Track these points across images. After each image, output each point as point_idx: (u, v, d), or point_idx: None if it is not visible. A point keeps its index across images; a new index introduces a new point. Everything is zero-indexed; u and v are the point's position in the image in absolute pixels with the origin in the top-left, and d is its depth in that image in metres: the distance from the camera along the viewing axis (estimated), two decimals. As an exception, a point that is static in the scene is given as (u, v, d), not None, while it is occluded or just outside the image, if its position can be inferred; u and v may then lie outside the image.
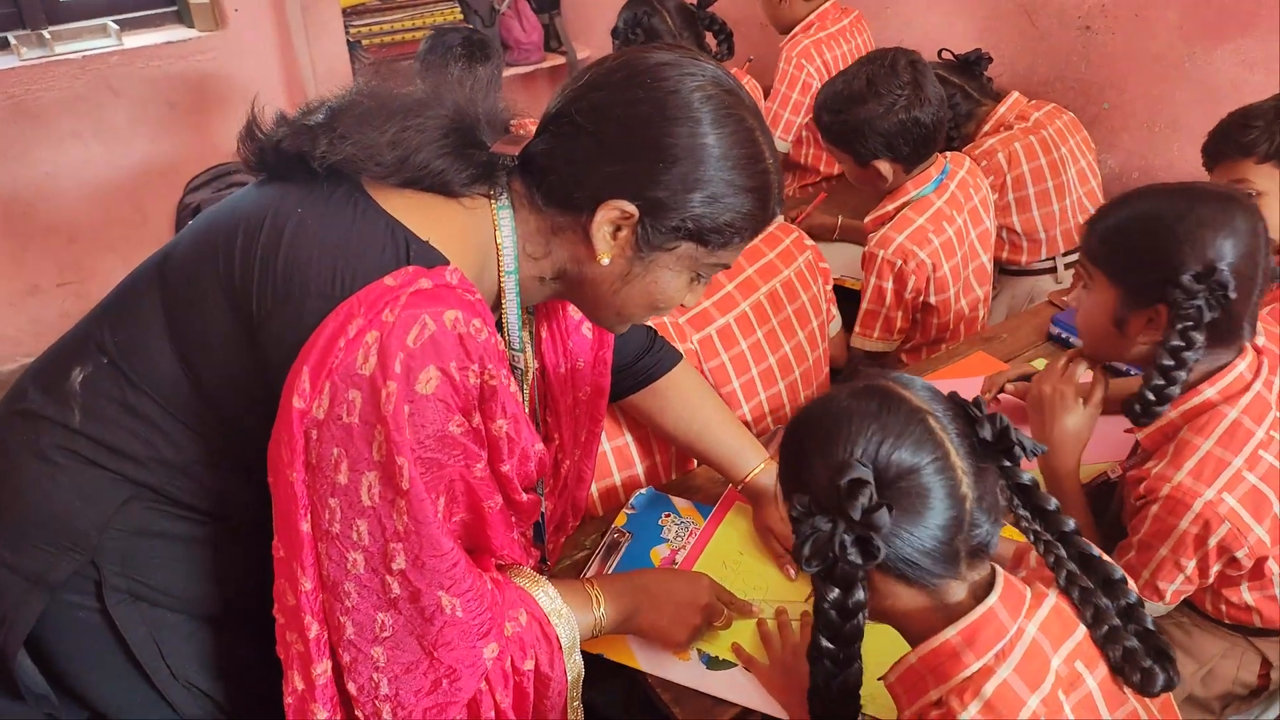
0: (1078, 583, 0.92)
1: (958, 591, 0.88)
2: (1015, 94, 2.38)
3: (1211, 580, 1.25)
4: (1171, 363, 1.18)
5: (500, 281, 0.97)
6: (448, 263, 0.88)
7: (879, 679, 0.93)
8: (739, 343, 1.74)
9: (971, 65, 2.35)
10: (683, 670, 1.18)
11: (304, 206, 0.88)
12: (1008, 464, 0.88)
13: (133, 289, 0.96)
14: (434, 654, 0.90)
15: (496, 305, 0.99)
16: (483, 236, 0.94)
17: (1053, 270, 2.36)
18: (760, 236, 0.97)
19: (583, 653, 1.15)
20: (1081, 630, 0.91)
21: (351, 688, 0.89)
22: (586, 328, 1.23)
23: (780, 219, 1.95)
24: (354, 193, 0.89)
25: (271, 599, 0.90)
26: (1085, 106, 2.63)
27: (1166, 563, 1.22)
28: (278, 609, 0.89)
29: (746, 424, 1.76)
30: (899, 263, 1.85)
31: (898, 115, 1.81)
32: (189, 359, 0.90)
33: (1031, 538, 0.93)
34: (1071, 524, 0.92)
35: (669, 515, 1.41)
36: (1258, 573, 1.25)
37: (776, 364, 1.78)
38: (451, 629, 0.90)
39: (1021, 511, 0.92)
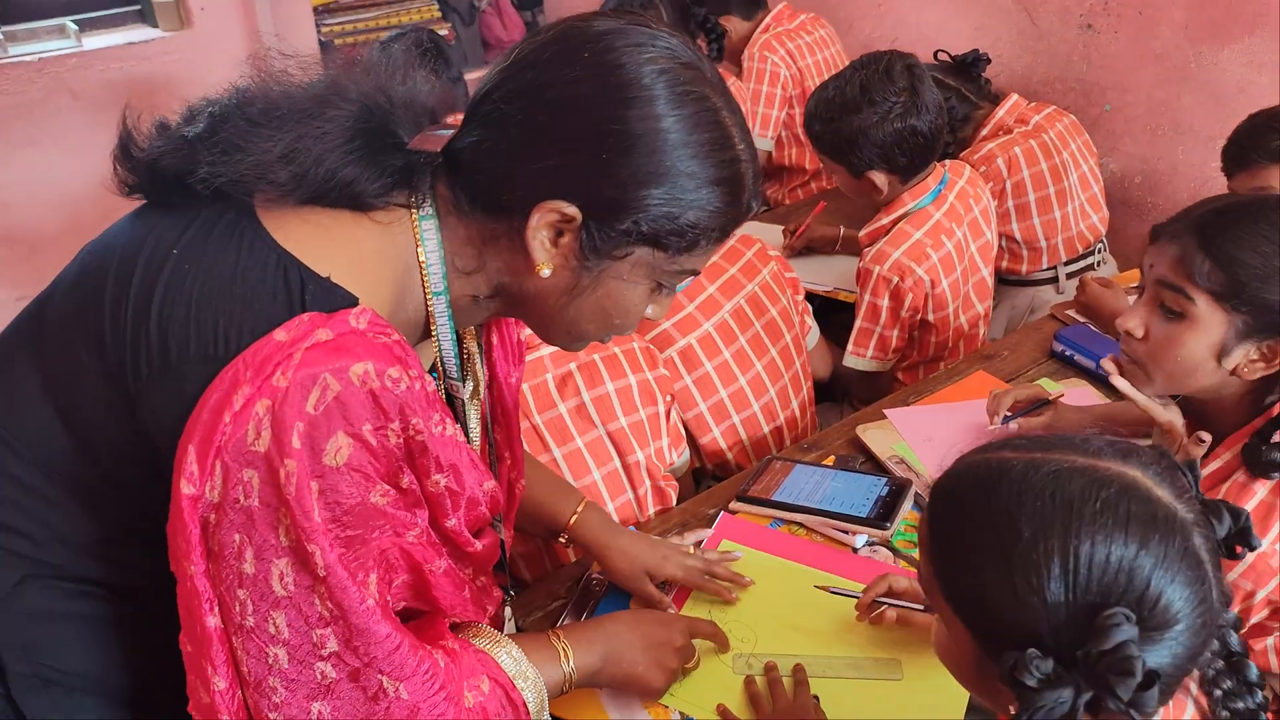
0: (1220, 684, 0.79)
1: None
2: (1014, 96, 2.29)
3: (1247, 628, 1.15)
4: None
5: (428, 305, 0.84)
6: (355, 302, 0.75)
7: None
8: (704, 364, 1.64)
9: (969, 66, 2.25)
10: None
11: (181, 246, 0.76)
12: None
13: (5, 353, 0.84)
14: None
15: (427, 332, 0.86)
16: (402, 256, 0.81)
17: (1054, 280, 2.27)
18: (728, 243, 0.84)
19: (552, 717, 1.05)
20: None
21: None
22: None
23: (742, 230, 1.86)
24: (240, 222, 0.76)
25: None
26: (1086, 108, 2.54)
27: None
28: (192, 706, 0.78)
29: (720, 451, 1.69)
30: (895, 279, 1.76)
31: (893, 124, 1.71)
32: (70, 425, 0.79)
33: None
34: (1231, 616, 0.79)
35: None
36: None
37: (748, 384, 1.68)
38: (401, 709, 0.80)
39: None
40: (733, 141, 0.80)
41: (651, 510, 1.47)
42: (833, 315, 2.04)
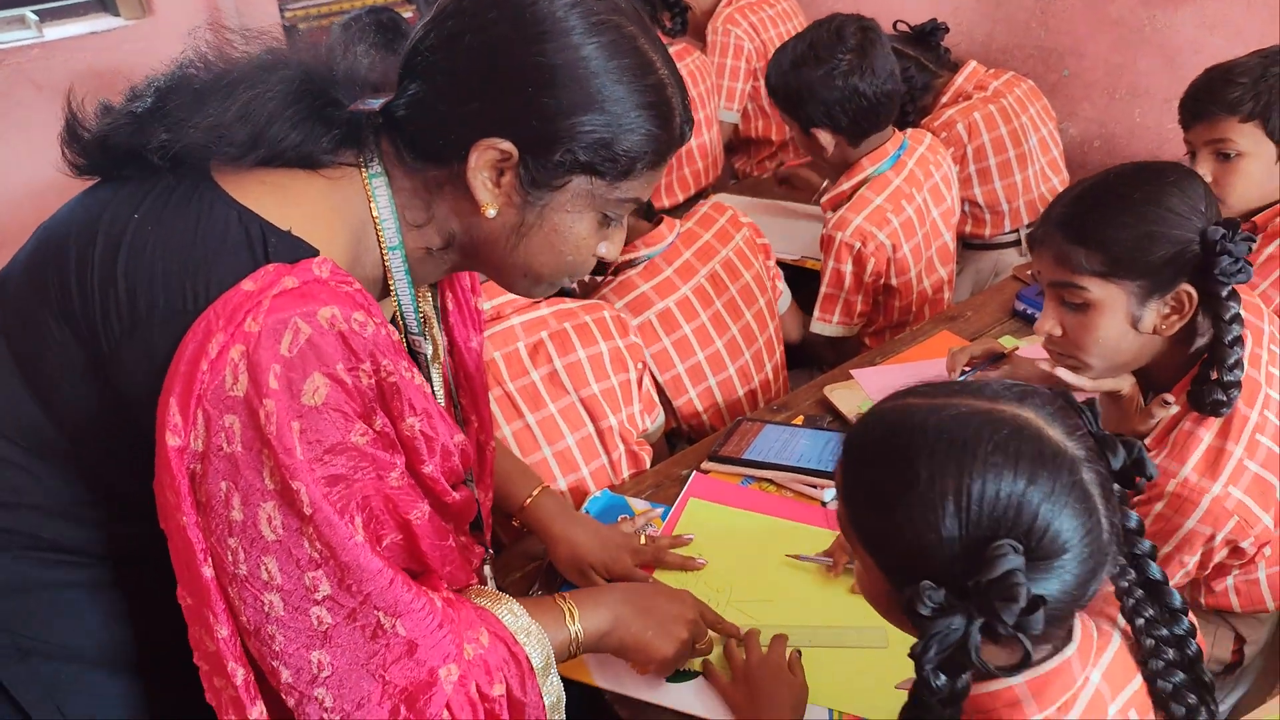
0: (1142, 612, 0.83)
1: (1043, 646, 0.77)
2: (973, 63, 2.32)
3: (1209, 571, 1.21)
4: (1234, 332, 1.11)
5: (384, 260, 0.86)
6: (315, 253, 0.78)
7: (897, 686, 0.83)
8: (681, 326, 1.68)
9: (927, 36, 2.28)
10: (641, 684, 1.12)
11: (141, 211, 0.78)
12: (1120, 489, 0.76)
13: None
14: (384, 677, 0.81)
15: (385, 290, 0.89)
16: (356, 213, 0.84)
17: (1016, 243, 2.31)
18: (671, 157, 0.87)
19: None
20: (1139, 679, 0.83)
21: None
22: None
23: (716, 197, 1.89)
24: (198, 185, 0.79)
25: (189, 644, 0.81)
26: (1045, 74, 2.58)
27: (1169, 560, 1.18)
28: (198, 656, 0.80)
29: (697, 413, 1.72)
30: (857, 245, 1.79)
31: (836, 83, 1.73)
32: (45, 398, 0.81)
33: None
34: (1146, 545, 0.83)
35: (626, 519, 1.34)
36: (1249, 560, 1.21)
37: (724, 347, 1.72)
38: (399, 645, 0.81)
39: None
40: (654, 66, 0.82)
41: (626, 474, 1.51)
42: (802, 284, 2.08)
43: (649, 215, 1.75)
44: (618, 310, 1.57)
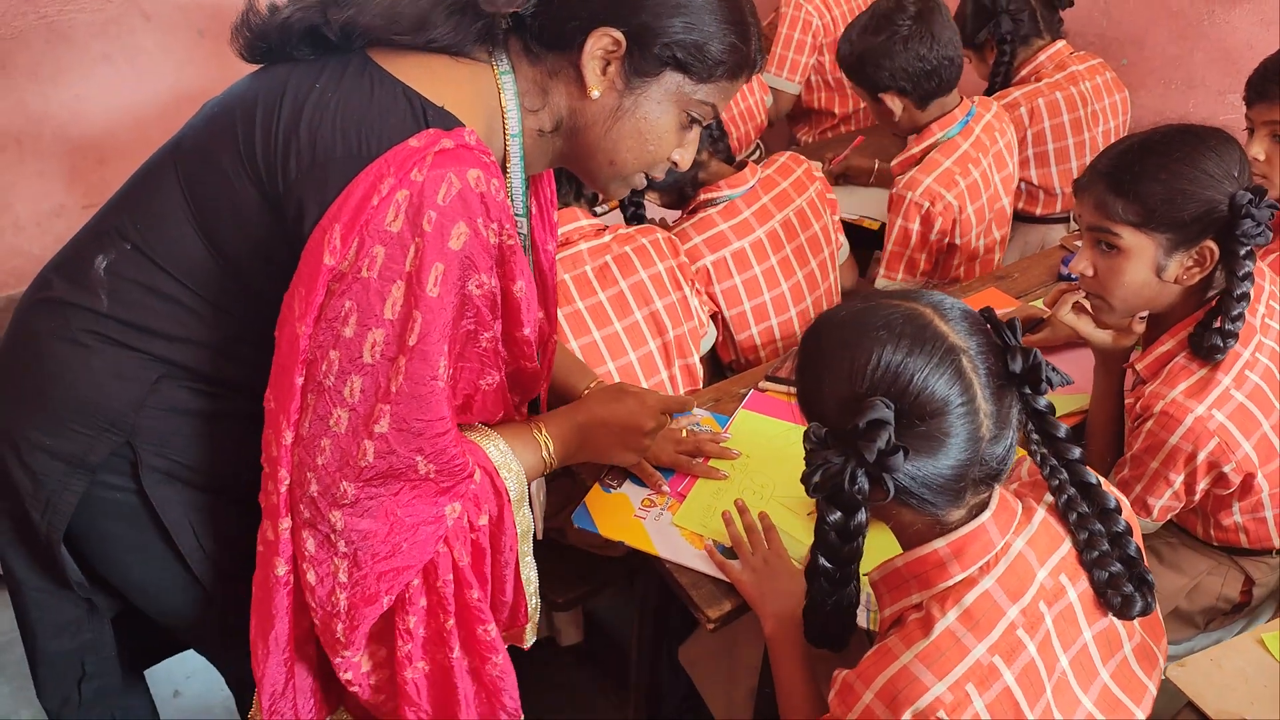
0: (1075, 508, 0.93)
1: (956, 511, 0.89)
2: (1061, 42, 2.36)
3: (1199, 498, 1.30)
4: (1244, 288, 1.22)
5: (506, 145, 0.98)
6: (463, 125, 0.88)
7: (864, 574, 0.96)
8: (753, 266, 1.79)
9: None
10: (698, 558, 1.23)
11: (321, 81, 0.89)
12: (1029, 392, 0.88)
13: (148, 177, 0.97)
14: (395, 514, 0.90)
15: (503, 170, 1.00)
16: (489, 100, 0.95)
17: (1066, 221, 2.38)
18: (744, 80, 1.00)
19: (585, 551, 1.15)
20: (1067, 545, 0.93)
21: (310, 544, 0.89)
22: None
23: (793, 151, 2.00)
24: (366, 65, 0.90)
25: None
26: (1106, 62, 2.65)
27: (1156, 477, 1.28)
28: (264, 458, 0.91)
29: (755, 347, 1.84)
30: (926, 205, 1.88)
31: (897, 48, 1.83)
32: (213, 237, 0.92)
33: (1038, 459, 0.95)
34: (1077, 452, 0.94)
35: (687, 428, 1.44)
36: (1246, 491, 1.30)
37: (789, 290, 1.84)
38: (422, 486, 0.91)
39: (1033, 435, 0.93)
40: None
41: (683, 388, 1.63)
42: (857, 242, 2.18)
43: (731, 159, 1.87)
44: (670, 234, 1.69)
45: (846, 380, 0.84)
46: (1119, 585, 0.91)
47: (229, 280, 0.93)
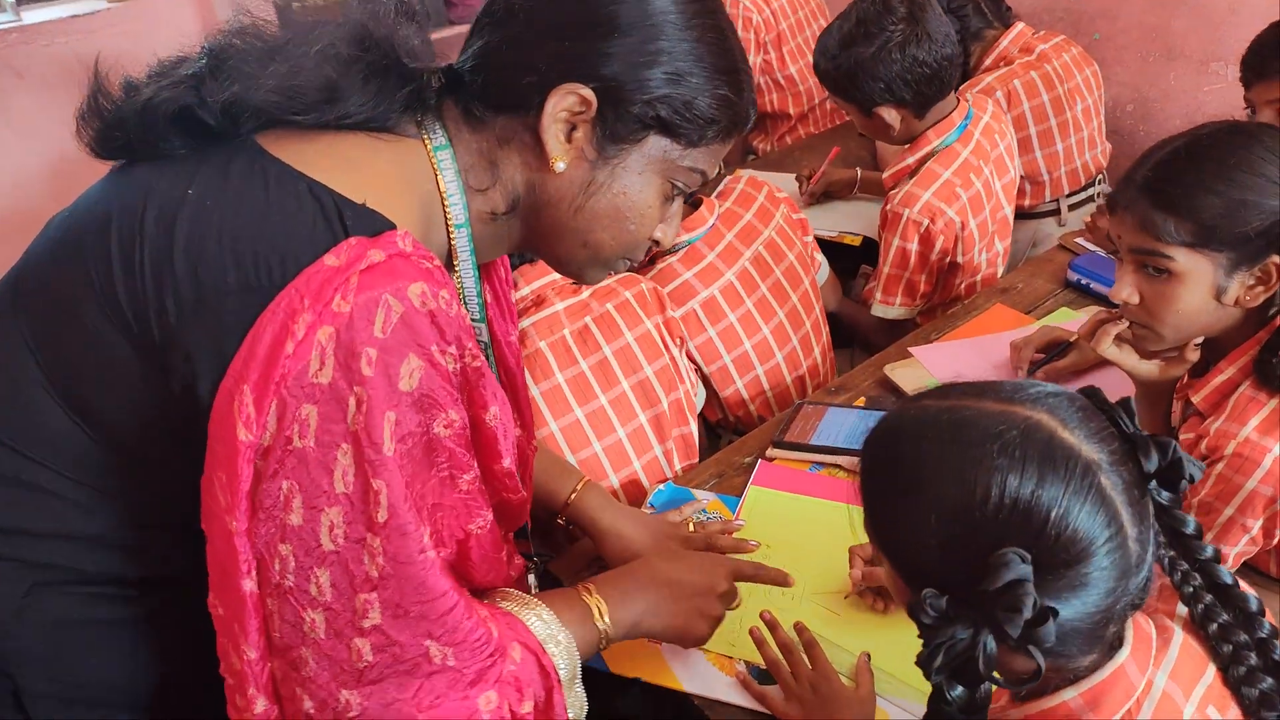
0: (1215, 618, 0.78)
1: (1090, 655, 0.73)
2: (1020, 25, 2.23)
3: (1277, 540, 1.15)
4: None
5: (450, 239, 0.81)
6: (394, 226, 0.70)
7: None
8: (727, 315, 1.59)
9: None
10: (732, 689, 1.06)
11: (195, 186, 0.70)
12: (1153, 486, 0.71)
13: None
14: (417, 717, 0.74)
15: (449, 269, 0.83)
16: (423, 185, 0.78)
17: (1055, 213, 2.24)
18: (736, 138, 0.83)
19: (614, 675, 0.99)
20: (1212, 670, 0.78)
21: None
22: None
23: (746, 173, 1.79)
24: (257, 157, 0.71)
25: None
26: (1074, 38, 2.49)
27: (1232, 525, 1.12)
28: (224, 669, 0.73)
29: (743, 402, 1.63)
30: (925, 222, 1.68)
31: (894, 55, 1.62)
32: (79, 407, 0.72)
33: (1165, 564, 0.79)
34: (1210, 550, 0.78)
35: (674, 510, 1.25)
36: None
37: (771, 334, 1.63)
38: (441, 679, 0.74)
39: (1160, 537, 0.77)
40: (728, 35, 0.80)
41: (679, 464, 1.42)
42: (834, 261, 1.98)
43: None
44: (651, 284, 1.48)
45: (955, 519, 0.67)
46: (1273, 704, 0.77)
47: (113, 459, 0.73)
